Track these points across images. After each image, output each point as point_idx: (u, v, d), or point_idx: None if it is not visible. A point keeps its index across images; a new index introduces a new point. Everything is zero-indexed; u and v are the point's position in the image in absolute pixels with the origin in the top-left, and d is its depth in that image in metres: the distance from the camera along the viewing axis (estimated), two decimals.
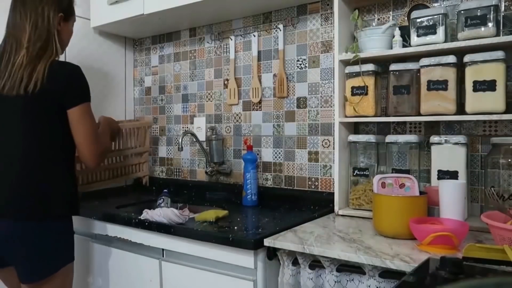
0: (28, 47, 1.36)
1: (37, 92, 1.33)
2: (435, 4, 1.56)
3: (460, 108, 1.38)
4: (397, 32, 1.49)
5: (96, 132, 1.48)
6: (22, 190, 1.36)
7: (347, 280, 1.16)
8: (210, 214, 1.54)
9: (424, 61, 1.42)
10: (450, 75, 1.38)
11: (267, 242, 1.25)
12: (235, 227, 1.42)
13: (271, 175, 1.96)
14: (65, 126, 1.42)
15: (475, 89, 1.33)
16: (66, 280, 1.46)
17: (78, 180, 1.75)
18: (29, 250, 1.36)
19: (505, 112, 1.29)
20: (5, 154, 1.39)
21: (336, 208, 1.58)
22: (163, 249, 1.51)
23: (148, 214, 1.57)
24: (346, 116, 1.60)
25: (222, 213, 1.57)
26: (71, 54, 2.15)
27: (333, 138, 1.69)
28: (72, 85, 1.41)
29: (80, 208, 1.53)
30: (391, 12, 1.66)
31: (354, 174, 1.60)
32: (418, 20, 1.43)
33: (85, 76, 1.46)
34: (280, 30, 1.90)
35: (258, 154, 1.97)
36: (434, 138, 1.44)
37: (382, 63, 1.61)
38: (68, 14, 1.50)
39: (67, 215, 1.45)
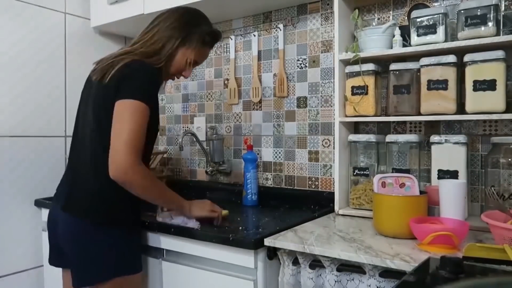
0: None
1: None
2: (435, 4, 1.56)
3: (460, 108, 1.38)
4: (397, 31, 1.49)
5: (134, 137, 1.24)
6: (81, 185, 1.34)
7: (348, 280, 1.16)
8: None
9: (424, 60, 1.42)
10: (450, 74, 1.38)
11: (268, 241, 1.25)
12: (236, 227, 1.42)
13: (271, 174, 1.96)
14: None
15: (475, 89, 1.33)
16: None
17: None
18: (80, 251, 1.33)
19: (505, 112, 1.29)
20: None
21: (336, 207, 1.58)
22: (163, 249, 1.51)
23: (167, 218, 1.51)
24: (346, 116, 1.60)
25: (225, 212, 1.56)
26: (72, 54, 2.16)
27: (333, 137, 1.69)
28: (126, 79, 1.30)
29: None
30: (391, 12, 1.66)
31: (354, 173, 1.60)
32: (418, 19, 1.43)
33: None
34: (280, 30, 1.90)
35: (258, 154, 1.97)
36: (434, 138, 1.44)
37: (382, 63, 1.61)
38: None
39: (123, 224, 1.36)
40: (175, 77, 1.52)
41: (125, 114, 1.25)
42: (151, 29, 1.43)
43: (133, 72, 1.30)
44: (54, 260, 1.47)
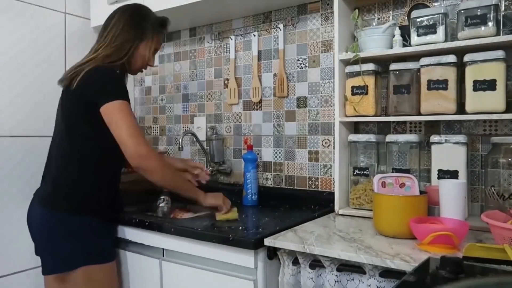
0: None
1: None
2: (435, 4, 1.56)
3: (460, 108, 1.38)
4: (397, 31, 1.49)
5: (134, 130, 1.39)
6: (51, 180, 1.48)
7: (348, 280, 1.16)
8: (233, 214, 1.56)
9: (424, 60, 1.42)
10: (450, 74, 1.38)
11: (268, 241, 1.25)
12: (236, 227, 1.42)
13: (271, 174, 1.96)
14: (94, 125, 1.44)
15: (475, 89, 1.33)
16: (90, 283, 1.44)
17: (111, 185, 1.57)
18: (47, 240, 1.44)
19: (505, 112, 1.29)
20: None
21: (336, 207, 1.58)
22: (163, 249, 1.51)
23: None
24: (346, 116, 1.60)
25: (234, 210, 1.60)
26: (72, 54, 2.16)
27: (333, 137, 1.68)
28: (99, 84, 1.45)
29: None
30: (391, 12, 1.66)
31: (354, 173, 1.60)
32: (418, 19, 1.43)
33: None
34: (280, 30, 1.90)
35: (258, 154, 1.97)
36: (434, 138, 1.44)
37: (382, 63, 1.61)
38: None
39: (90, 214, 1.45)
40: (143, 69, 1.65)
41: (115, 115, 1.39)
42: (107, 34, 1.54)
43: (102, 77, 1.43)
44: (36, 251, 1.56)
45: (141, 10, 1.63)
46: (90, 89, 1.42)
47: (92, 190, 1.47)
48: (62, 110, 1.51)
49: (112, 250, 1.55)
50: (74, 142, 1.46)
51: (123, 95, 1.43)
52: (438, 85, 1.39)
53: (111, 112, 1.39)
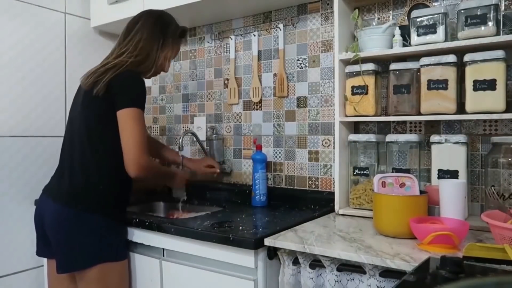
0: None
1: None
2: (435, 4, 1.56)
3: (460, 108, 1.38)
4: (397, 31, 1.49)
5: (141, 140, 1.45)
6: (71, 178, 1.50)
7: (348, 280, 1.16)
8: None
9: (424, 60, 1.42)
10: (450, 74, 1.38)
11: (268, 241, 1.25)
12: (236, 227, 1.42)
13: (271, 174, 1.96)
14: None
15: (475, 88, 1.33)
16: (104, 281, 1.45)
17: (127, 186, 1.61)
18: (64, 238, 1.45)
19: (505, 111, 1.29)
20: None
21: (336, 207, 1.58)
22: (163, 249, 1.51)
23: None
24: (346, 116, 1.60)
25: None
26: (72, 54, 2.16)
27: (333, 137, 1.68)
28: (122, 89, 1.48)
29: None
30: (391, 12, 1.66)
31: (355, 173, 1.60)
32: (418, 19, 1.43)
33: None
34: (280, 30, 1.90)
35: None
36: (434, 138, 1.44)
37: (382, 63, 1.61)
38: None
39: (107, 213, 1.48)
40: (158, 74, 1.70)
41: (130, 121, 1.43)
42: (131, 39, 1.56)
43: (129, 83, 1.47)
44: (41, 251, 1.58)
45: (164, 17, 1.65)
46: (116, 92, 1.45)
47: (110, 191, 1.50)
48: (83, 112, 1.51)
49: (126, 248, 1.56)
50: (96, 144, 1.48)
51: (142, 103, 1.48)
52: (438, 85, 1.39)
53: (125, 118, 1.43)
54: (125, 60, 1.50)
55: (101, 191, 1.48)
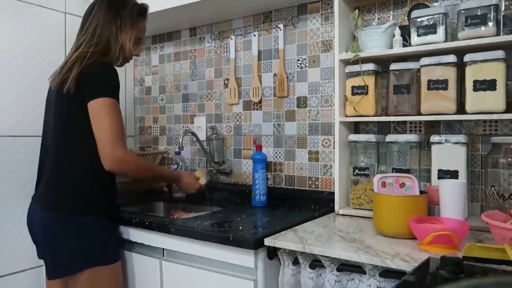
0: None
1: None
2: (435, 4, 1.56)
3: (460, 108, 1.38)
4: (397, 31, 1.49)
5: (115, 130, 1.38)
6: (51, 183, 1.46)
7: (348, 280, 1.16)
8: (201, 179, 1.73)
9: (425, 60, 1.42)
10: (450, 74, 1.38)
11: (268, 241, 1.25)
12: (236, 227, 1.42)
13: (271, 174, 1.96)
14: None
15: (475, 89, 1.33)
16: (95, 285, 1.42)
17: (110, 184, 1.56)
18: (51, 243, 1.42)
19: (505, 112, 1.29)
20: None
21: (336, 207, 1.58)
22: (163, 249, 1.51)
23: None
24: (346, 116, 1.60)
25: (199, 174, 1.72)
26: None
27: (334, 137, 1.68)
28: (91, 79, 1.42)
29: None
30: (391, 12, 1.66)
31: (355, 173, 1.60)
32: (419, 19, 1.43)
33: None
34: (280, 30, 1.90)
35: None
36: (434, 138, 1.44)
37: (382, 63, 1.61)
38: None
39: (93, 214, 1.43)
40: (130, 60, 1.63)
41: (101, 112, 1.37)
42: (87, 26, 1.51)
43: (98, 72, 1.41)
44: (39, 253, 1.55)
45: None
46: (85, 85, 1.39)
47: (92, 189, 1.45)
48: (56, 113, 1.47)
49: (116, 250, 1.53)
50: (73, 143, 1.44)
51: (114, 93, 1.41)
52: (438, 85, 1.39)
53: (97, 108, 1.37)
54: (85, 51, 1.43)
55: (83, 191, 1.43)
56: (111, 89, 1.41)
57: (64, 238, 1.40)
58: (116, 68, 1.58)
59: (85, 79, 1.39)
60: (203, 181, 1.71)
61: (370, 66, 1.53)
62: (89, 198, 1.44)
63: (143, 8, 1.60)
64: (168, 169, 1.70)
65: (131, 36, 1.55)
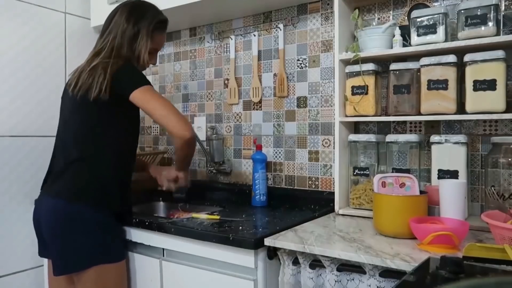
0: None
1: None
2: (435, 4, 1.56)
3: (460, 108, 1.38)
4: (397, 31, 1.49)
5: (170, 104, 1.45)
6: (70, 175, 1.46)
7: (348, 280, 1.16)
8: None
9: (425, 60, 1.42)
10: (450, 74, 1.38)
11: (268, 241, 1.25)
12: (236, 227, 1.42)
13: (271, 174, 1.96)
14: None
15: (475, 89, 1.33)
16: (101, 283, 1.42)
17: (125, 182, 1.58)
18: (58, 239, 1.42)
19: (505, 112, 1.29)
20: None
21: (336, 207, 1.58)
22: (163, 249, 1.51)
23: None
24: (346, 116, 1.60)
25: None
26: (71, 54, 2.16)
27: (334, 137, 1.69)
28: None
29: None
30: (391, 12, 1.66)
31: (355, 173, 1.60)
32: (418, 19, 1.43)
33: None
34: (280, 30, 1.90)
35: None
36: (434, 138, 1.44)
37: (382, 63, 1.61)
38: None
39: (100, 210, 1.45)
40: (145, 68, 1.64)
41: (147, 96, 1.42)
42: (106, 36, 1.55)
43: (127, 70, 1.46)
44: (41, 251, 1.57)
45: (139, 7, 1.59)
46: (120, 84, 1.42)
47: (115, 185, 1.48)
48: (77, 115, 1.49)
49: (123, 249, 1.54)
50: (98, 141, 1.47)
51: (147, 81, 1.47)
52: (438, 85, 1.39)
53: (143, 95, 1.42)
54: (106, 62, 1.45)
55: (105, 185, 1.46)
56: (143, 78, 1.47)
57: (72, 233, 1.40)
58: None
59: (118, 80, 1.42)
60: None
61: (370, 66, 1.53)
62: (111, 191, 1.47)
63: (162, 21, 1.62)
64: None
65: (147, 47, 1.57)
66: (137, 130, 1.62)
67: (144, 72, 1.56)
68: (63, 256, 1.42)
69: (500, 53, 1.29)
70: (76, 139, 1.48)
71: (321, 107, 1.82)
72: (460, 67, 1.39)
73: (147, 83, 1.46)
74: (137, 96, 1.42)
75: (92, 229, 1.42)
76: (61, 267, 1.43)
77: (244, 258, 1.28)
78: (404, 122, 1.62)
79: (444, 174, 1.40)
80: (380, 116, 1.58)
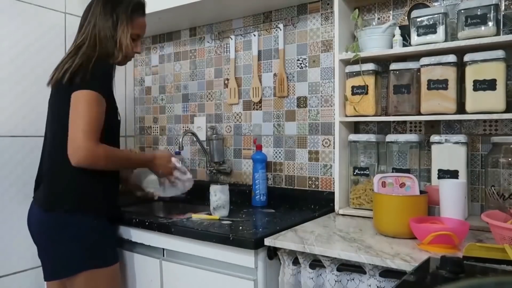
0: None
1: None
2: (435, 4, 1.56)
3: (460, 107, 1.38)
4: (397, 31, 1.49)
5: (90, 124, 1.33)
6: (48, 182, 1.44)
7: (348, 280, 1.16)
8: None
9: (425, 60, 1.42)
10: (450, 74, 1.38)
11: (268, 241, 1.25)
12: (236, 227, 1.42)
13: (271, 174, 1.96)
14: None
15: (475, 88, 1.33)
16: (90, 287, 1.39)
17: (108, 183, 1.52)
18: (46, 244, 1.42)
19: (505, 111, 1.29)
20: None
21: (336, 207, 1.58)
22: (163, 249, 1.51)
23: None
24: (346, 116, 1.60)
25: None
26: None
27: (334, 137, 1.68)
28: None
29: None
30: (391, 12, 1.66)
31: (355, 173, 1.60)
32: (418, 19, 1.43)
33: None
34: (280, 30, 1.90)
35: None
36: (434, 138, 1.44)
37: (382, 63, 1.61)
38: None
39: (92, 213, 1.42)
40: (131, 57, 1.60)
41: (79, 104, 1.34)
42: (85, 27, 1.50)
43: (90, 68, 1.38)
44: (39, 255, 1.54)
45: None
46: (78, 77, 1.37)
47: (91, 187, 1.42)
48: (54, 110, 1.48)
49: (115, 252, 1.50)
50: (65, 141, 1.38)
51: (97, 86, 1.37)
52: (438, 85, 1.39)
53: (76, 100, 1.34)
54: (91, 54, 1.42)
55: (81, 189, 1.40)
56: (97, 82, 1.38)
57: (60, 239, 1.39)
58: (116, 67, 1.59)
59: (77, 73, 1.37)
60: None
61: (370, 66, 1.53)
62: (86, 195, 1.41)
63: (139, 3, 1.58)
64: (141, 154, 1.68)
65: (128, 32, 1.52)
66: (114, 122, 1.51)
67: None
68: (52, 262, 1.42)
69: (500, 53, 1.29)
70: (50, 139, 1.47)
71: (321, 107, 1.82)
72: (460, 67, 1.39)
73: (94, 89, 1.36)
74: (74, 96, 1.35)
75: (79, 235, 1.39)
76: (50, 273, 1.43)
77: (244, 258, 1.28)
78: (404, 122, 1.62)
79: (444, 174, 1.40)
80: (380, 116, 1.58)
